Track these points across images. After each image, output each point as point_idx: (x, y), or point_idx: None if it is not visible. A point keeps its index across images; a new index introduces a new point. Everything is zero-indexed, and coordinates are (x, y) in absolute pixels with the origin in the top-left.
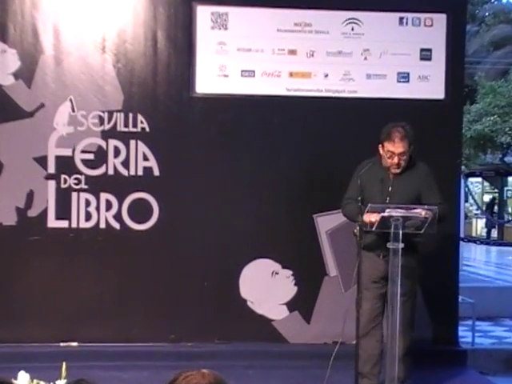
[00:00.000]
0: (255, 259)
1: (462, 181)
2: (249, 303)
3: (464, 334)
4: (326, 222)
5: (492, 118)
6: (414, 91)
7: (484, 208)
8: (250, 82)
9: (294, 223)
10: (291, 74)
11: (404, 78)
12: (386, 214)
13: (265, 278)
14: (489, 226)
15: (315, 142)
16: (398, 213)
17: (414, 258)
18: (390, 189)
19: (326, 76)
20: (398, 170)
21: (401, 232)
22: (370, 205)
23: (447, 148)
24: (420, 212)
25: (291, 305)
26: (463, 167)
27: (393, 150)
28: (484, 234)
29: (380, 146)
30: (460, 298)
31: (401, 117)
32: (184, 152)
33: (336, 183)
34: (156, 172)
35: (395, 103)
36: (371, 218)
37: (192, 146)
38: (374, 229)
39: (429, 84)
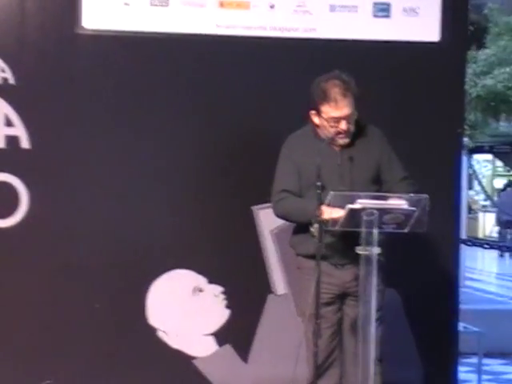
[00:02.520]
0: (169, 270)
1: (465, 159)
2: (160, 334)
3: (467, 376)
4: (271, 218)
5: (508, 70)
6: (397, 30)
7: (495, 197)
8: (161, 14)
9: (225, 219)
10: (222, 4)
11: (383, 11)
12: (356, 205)
13: (183, 298)
14: (503, 223)
15: (256, 102)
16: (372, 204)
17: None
18: (339, 168)
19: (272, 7)
20: (347, 140)
21: (376, 231)
22: (331, 192)
23: (443, 112)
24: (399, 203)
25: (221, 335)
26: (466, 139)
27: (337, 114)
28: (495, 234)
29: (313, 112)
30: (461, 325)
31: (378, 66)
32: (66, 115)
33: None
34: (24, 144)
35: (370, 47)
36: (334, 214)
37: (77, 107)
38: (338, 227)
39: (418, 20)
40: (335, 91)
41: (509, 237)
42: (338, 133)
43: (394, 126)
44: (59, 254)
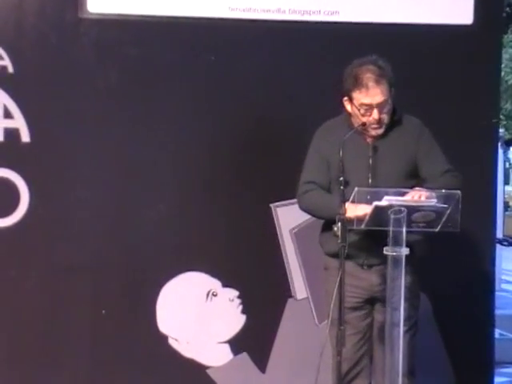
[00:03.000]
0: (181, 273)
1: (501, 152)
2: (171, 341)
3: None
4: (291, 216)
5: None
6: (426, 12)
7: None
8: None
9: (241, 217)
10: None
11: None
12: (382, 202)
13: (196, 303)
14: None
15: (275, 93)
16: (400, 201)
17: (411, 267)
18: (370, 161)
19: None
20: (380, 130)
21: (404, 230)
22: (356, 188)
23: (476, 101)
24: (430, 198)
25: (237, 343)
26: (502, 131)
27: (368, 100)
28: None
29: (345, 99)
30: (497, 332)
31: (405, 52)
32: (69, 106)
33: (305, 158)
34: (25, 137)
35: (396, 31)
36: (358, 211)
37: (82, 97)
38: (363, 226)
39: (449, 1)
40: (368, 77)
41: None
42: (371, 122)
43: (422, 117)
44: (61, 255)
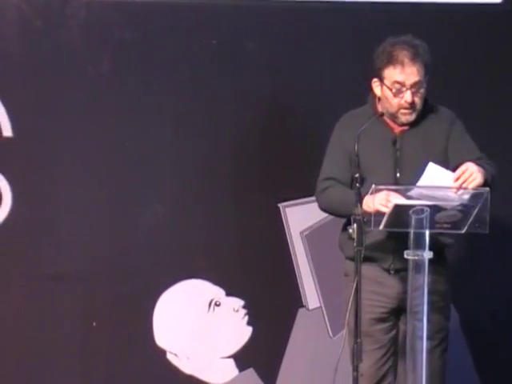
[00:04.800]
0: (180, 281)
1: None
2: (170, 357)
3: None
4: (301, 217)
5: None
6: None
7: None
8: None
9: (247, 219)
10: None
11: None
12: (401, 201)
13: (197, 313)
14: None
15: (284, 82)
16: (423, 199)
17: (444, 274)
18: (397, 153)
19: None
20: (411, 117)
21: (428, 232)
22: (374, 186)
23: (507, 88)
24: (455, 196)
25: (242, 358)
26: None
27: (402, 78)
28: None
29: (375, 81)
30: None
31: (429, 33)
32: (56, 96)
33: (318, 151)
34: (6, 131)
35: (419, 10)
36: (378, 204)
37: (70, 86)
38: (381, 227)
39: None
40: (404, 54)
41: None
42: (402, 106)
43: (449, 106)
44: (48, 261)
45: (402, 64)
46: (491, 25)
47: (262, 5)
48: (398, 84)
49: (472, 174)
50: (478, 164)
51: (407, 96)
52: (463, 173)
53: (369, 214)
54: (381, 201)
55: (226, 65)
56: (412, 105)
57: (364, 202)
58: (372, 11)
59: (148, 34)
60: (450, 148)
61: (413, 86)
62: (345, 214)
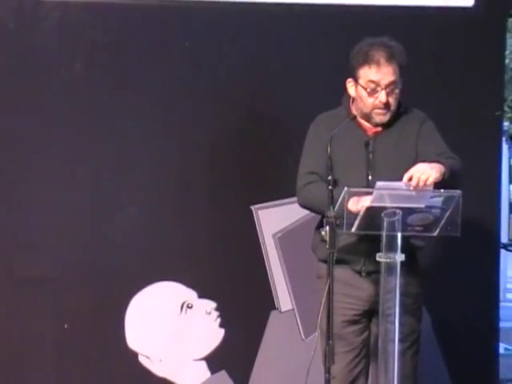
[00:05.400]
0: (152, 283)
1: (505, 147)
2: (142, 359)
3: None
4: (274, 219)
5: None
6: None
7: None
8: None
9: (219, 221)
10: None
11: None
12: (373, 202)
13: (169, 316)
14: None
15: (258, 84)
16: (395, 201)
17: (416, 277)
18: (370, 156)
19: None
20: (385, 117)
21: (400, 235)
22: (346, 188)
23: (478, 91)
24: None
25: (215, 360)
26: (507, 124)
27: (377, 77)
28: None
29: (349, 81)
30: (502, 346)
31: (400, 36)
32: (29, 98)
33: (292, 154)
34: None
35: (390, 14)
36: (360, 205)
37: (43, 89)
38: (354, 229)
39: None
40: (380, 54)
41: None
42: (376, 106)
43: (421, 107)
44: (20, 264)
45: (378, 64)
46: (462, 28)
47: (238, 7)
48: (372, 83)
49: (424, 172)
50: (434, 161)
51: (382, 96)
52: (413, 174)
53: (354, 214)
54: (360, 202)
55: (200, 67)
56: (386, 105)
57: (350, 202)
58: (346, 15)
59: (121, 35)
60: (418, 148)
61: (388, 86)
62: (324, 212)
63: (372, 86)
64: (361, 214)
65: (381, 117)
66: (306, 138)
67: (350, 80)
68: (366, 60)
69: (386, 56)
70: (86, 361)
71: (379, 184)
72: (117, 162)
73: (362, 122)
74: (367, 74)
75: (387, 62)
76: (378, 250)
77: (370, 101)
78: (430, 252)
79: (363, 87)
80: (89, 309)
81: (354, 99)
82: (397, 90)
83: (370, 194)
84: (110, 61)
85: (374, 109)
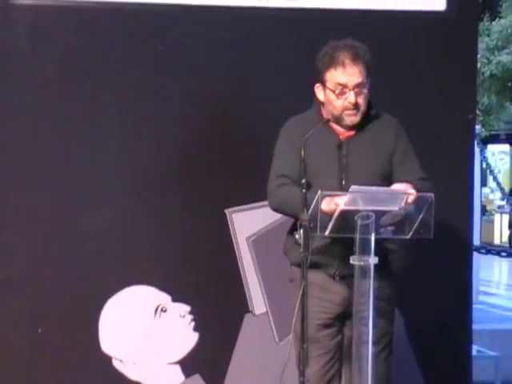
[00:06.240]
0: (126, 287)
1: (477, 150)
2: (116, 363)
3: None
4: (248, 222)
5: None
6: None
7: None
8: None
9: (193, 224)
10: None
11: None
12: (346, 206)
13: (143, 319)
14: None
15: (230, 88)
16: (368, 203)
17: (388, 279)
18: (343, 159)
19: None
20: (356, 118)
21: (373, 237)
22: (320, 192)
23: (451, 95)
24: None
25: (189, 364)
26: (479, 127)
27: (344, 80)
28: None
29: (317, 86)
30: (475, 349)
31: (373, 40)
32: (1, 102)
33: (265, 157)
34: None
35: (363, 18)
36: (333, 204)
37: (15, 92)
38: (327, 232)
39: None
40: (344, 55)
41: None
42: (346, 108)
43: (391, 112)
44: None
45: (344, 65)
46: (435, 32)
47: (212, 11)
48: (340, 86)
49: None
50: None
51: (351, 97)
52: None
53: (327, 215)
54: (333, 202)
55: (172, 70)
56: (356, 105)
57: (324, 202)
58: (319, 19)
59: (95, 39)
60: (394, 164)
61: (355, 86)
62: (297, 215)
63: (340, 88)
64: (335, 216)
65: (352, 118)
66: (277, 140)
67: (318, 85)
68: (332, 63)
69: (351, 57)
70: (59, 365)
71: (353, 187)
72: (90, 165)
73: (335, 125)
74: (334, 76)
75: (352, 62)
76: (351, 254)
77: (339, 103)
78: (403, 255)
79: (331, 90)
80: (62, 313)
81: (323, 103)
82: (365, 90)
83: (343, 195)
84: (81, 64)
85: (344, 110)
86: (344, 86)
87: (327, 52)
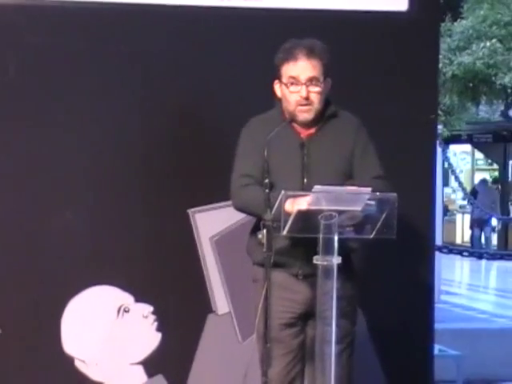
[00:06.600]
0: (88, 287)
1: (439, 150)
2: (78, 363)
3: None
4: (211, 222)
5: (489, 44)
6: None
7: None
8: None
9: (156, 224)
10: None
11: None
12: (307, 205)
13: (105, 320)
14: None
15: (194, 87)
16: (331, 203)
17: (350, 279)
18: (304, 159)
19: None
20: (309, 115)
21: (336, 237)
22: (283, 192)
23: (413, 95)
24: (363, 198)
25: (151, 364)
26: (441, 127)
27: (296, 73)
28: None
29: (276, 83)
30: (437, 348)
31: (335, 40)
32: None
33: (228, 157)
34: None
35: (325, 18)
36: (297, 204)
37: None
38: (285, 232)
39: None
40: (299, 49)
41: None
42: (298, 103)
43: (353, 112)
44: None
45: (296, 59)
46: (397, 32)
47: (173, 10)
48: (293, 79)
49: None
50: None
51: (302, 91)
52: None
53: (289, 214)
54: (297, 203)
55: (134, 69)
56: (308, 100)
57: (287, 203)
58: (282, 18)
59: (56, 37)
60: (353, 162)
61: (308, 80)
62: (261, 215)
63: (292, 81)
64: (292, 216)
65: (304, 114)
66: (239, 141)
67: (276, 81)
68: (286, 57)
69: (305, 51)
70: (21, 365)
71: (316, 187)
72: (52, 164)
73: (295, 125)
74: (287, 70)
75: (306, 56)
76: (314, 253)
77: (292, 97)
78: (365, 254)
79: (285, 84)
80: (24, 313)
81: (281, 100)
82: (319, 85)
83: (306, 195)
84: (44, 64)
85: (297, 106)
86: (296, 79)
87: (284, 47)
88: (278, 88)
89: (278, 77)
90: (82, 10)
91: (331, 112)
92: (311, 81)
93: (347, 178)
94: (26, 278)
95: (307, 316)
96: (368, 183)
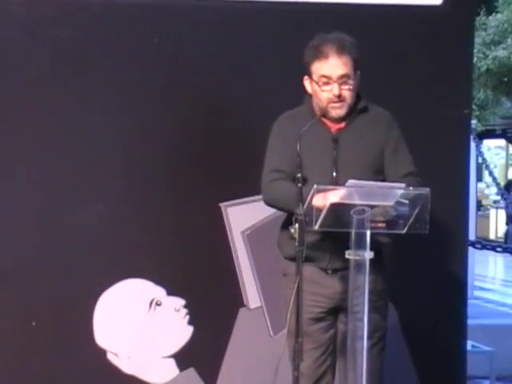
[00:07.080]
0: (120, 280)
1: (473, 145)
2: (110, 356)
3: None
4: (243, 216)
5: None
6: None
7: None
8: None
9: (188, 218)
10: None
11: None
12: (340, 199)
13: (138, 313)
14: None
15: (226, 80)
16: (363, 198)
17: (381, 273)
18: (334, 153)
19: None
20: (341, 111)
21: (369, 232)
22: (316, 186)
23: (447, 90)
24: (396, 193)
25: (183, 358)
26: (474, 122)
27: (328, 72)
28: None
29: (306, 79)
30: (469, 344)
31: (367, 35)
32: None
33: (259, 151)
34: None
35: (357, 12)
36: (327, 199)
37: (10, 87)
38: (317, 226)
39: None
40: (329, 47)
41: None
42: (330, 100)
43: (387, 107)
44: None
45: (327, 57)
46: (431, 27)
47: (203, 5)
48: (324, 78)
49: None
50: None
51: (334, 89)
52: None
53: (320, 210)
54: (328, 197)
55: (167, 64)
56: (340, 98)
57: (315, 198)
58: (314, 13)
59: (89, 32)
60: (385, 157)
61: (339, 78)
62: (291, 210)
63: (324, 80)
64: (325, 210)
65: (337, 110)
66: (270, 136)
67: (306, 77)
68: (316, 55)
69: (336, 49)
70: (54, 358)
71: (350, 182)
72: (83, 159)
73: (325, 119)
74: (318, 68)
75: (337, 54)
76: (344, 247)
77: (324, 95)
78: (397, 249)
79: (316, 82)
80: (57, 306)
81: (311, 96)
82: (350, 83)
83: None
84: (76, 57)
85: (329, 103)
86: (328, 77)
87: (313, 44)
88: (308, 84)
89: (308, 73)
90: (112, 4)
91: (362, 106)
92: (342, 78)
93: (377, 172)
94: (59, 270)
95: (337, 311)
96: (401, 180)
